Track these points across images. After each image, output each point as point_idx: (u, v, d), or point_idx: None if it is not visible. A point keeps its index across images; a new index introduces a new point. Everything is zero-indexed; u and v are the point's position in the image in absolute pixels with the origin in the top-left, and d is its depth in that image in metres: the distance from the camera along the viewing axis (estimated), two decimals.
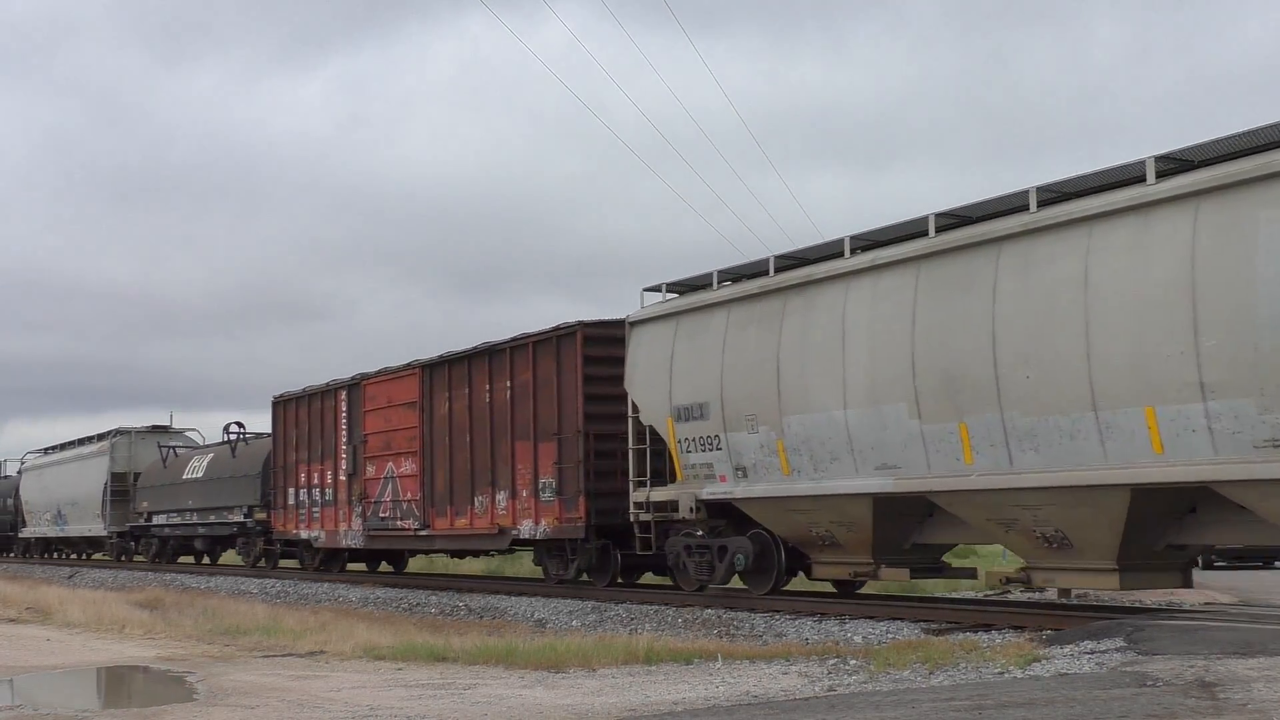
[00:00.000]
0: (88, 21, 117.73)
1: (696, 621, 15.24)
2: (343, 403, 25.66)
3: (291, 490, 27.74)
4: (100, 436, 40.20)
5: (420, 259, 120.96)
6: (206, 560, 35.54)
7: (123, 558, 38.40)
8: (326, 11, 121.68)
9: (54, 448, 44.66)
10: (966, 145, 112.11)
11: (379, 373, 24.52)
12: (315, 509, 26.75)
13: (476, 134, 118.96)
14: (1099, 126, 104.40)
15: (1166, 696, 7.32)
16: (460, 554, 26.44)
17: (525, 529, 19.72)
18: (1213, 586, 19.97)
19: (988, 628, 12.85)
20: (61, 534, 42.86)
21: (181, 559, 36.41)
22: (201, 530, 32.59)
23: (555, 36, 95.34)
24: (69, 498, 41.14)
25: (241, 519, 30.32)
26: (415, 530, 22.80)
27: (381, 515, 23.98)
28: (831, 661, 10.88)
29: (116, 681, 12.13)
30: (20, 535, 47.09)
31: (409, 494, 22.99)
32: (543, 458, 19.27)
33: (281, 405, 28.57)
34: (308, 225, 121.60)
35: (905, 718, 7.15)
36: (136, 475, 37.09)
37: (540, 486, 19.32)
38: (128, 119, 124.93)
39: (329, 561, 27.54)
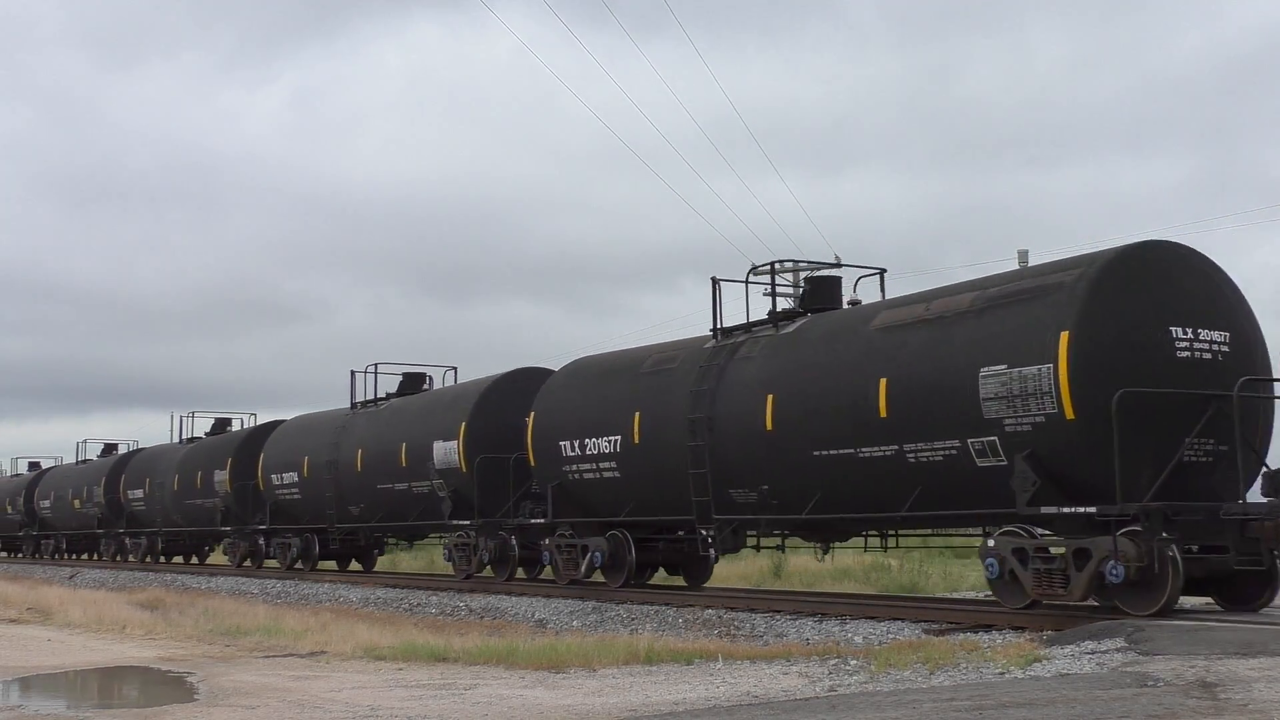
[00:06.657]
0: (37, 25, 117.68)
1: (697, 621, 15.24)
2: None
3: None
4: None
5: (390, 261, 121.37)
6: None
7: None
8: (273, 16, 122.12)
9: None
10: (917, 151, 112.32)
11: None
12: None
13: (431, 138, 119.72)
14: (1045, 133, 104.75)
15: (1167, 697, 7.32)
16: None
17: None
18: None
19: (988, 628, 12.85)
20: None
21: None
22: None
23: (503, 42, 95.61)
24: None
25: None
26: None
27: None
28: (832, 662, 10.87)
29: (117, 682, 12.12)
30: None
31: None
32: None
33: None
34: (273, 228, 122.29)
35: (906, 718, 7.15)
36: None
37: None
38: (82, 123, 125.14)
39: None
